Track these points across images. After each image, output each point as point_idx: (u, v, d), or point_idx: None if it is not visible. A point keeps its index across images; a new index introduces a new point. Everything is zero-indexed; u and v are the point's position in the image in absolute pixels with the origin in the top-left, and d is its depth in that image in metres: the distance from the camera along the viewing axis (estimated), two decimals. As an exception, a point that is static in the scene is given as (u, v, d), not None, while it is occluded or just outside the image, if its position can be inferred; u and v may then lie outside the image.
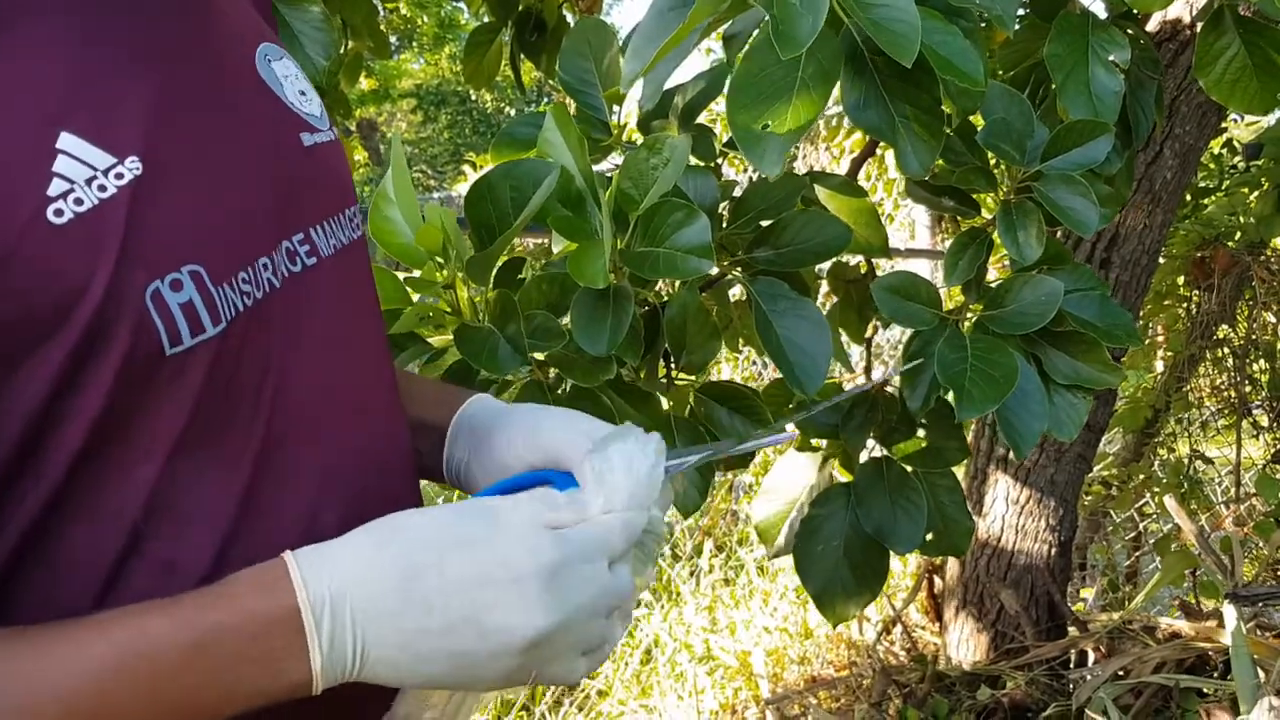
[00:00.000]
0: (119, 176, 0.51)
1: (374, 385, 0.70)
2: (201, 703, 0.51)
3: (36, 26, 0.51)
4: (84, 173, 0.50)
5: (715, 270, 1.21)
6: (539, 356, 1.13)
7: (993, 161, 1.31)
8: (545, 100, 11.76)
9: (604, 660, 0.64)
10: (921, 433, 1.36)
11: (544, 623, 0.56)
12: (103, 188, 0.50)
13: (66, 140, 0.50)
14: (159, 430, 0.54)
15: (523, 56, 2.14)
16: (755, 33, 1.06)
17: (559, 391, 1.14)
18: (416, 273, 1.01)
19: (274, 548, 0.56)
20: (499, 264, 1.11)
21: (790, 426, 0.82)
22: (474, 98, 14.24)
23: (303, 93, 0.70)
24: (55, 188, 0.49)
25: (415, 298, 1.07)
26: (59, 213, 0.49)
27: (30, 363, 0.50)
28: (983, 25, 1.41)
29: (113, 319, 0.50)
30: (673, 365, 1.28)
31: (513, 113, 14.06)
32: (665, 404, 1.25)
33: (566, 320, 1.09)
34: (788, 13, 0.90)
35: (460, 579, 0.55)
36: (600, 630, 0.60)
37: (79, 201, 0.50)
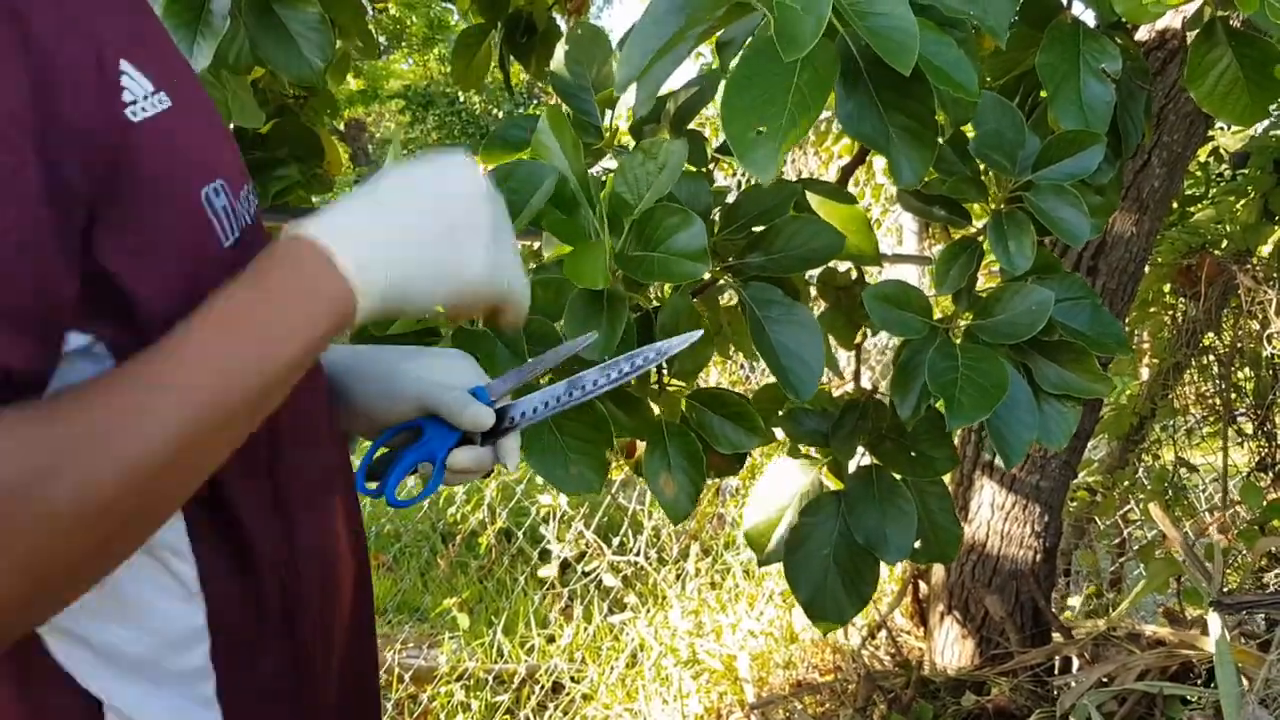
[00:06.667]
0: (160, 102, 0.56)
1: None
2: (275, 337, 0.57)
3: None
4: (140, 90, 0.55)
5: (708, 275, 1.21)
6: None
7: (984, 171, 1.31)
8: (534, 102, 11.74)
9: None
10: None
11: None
12: (154, 106, 0.56)
13: (125, 65, 0.55)
14: None
15: (512, 58, 2.13)
16: (749, 39, 1.06)
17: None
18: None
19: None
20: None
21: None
22: (462, 99, 14.21)
23: None
24: (126, 96, 0.54)
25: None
26: (134, 113, 0.54)
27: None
28: (974, 31, 1.42)
29: (184, 210, 0.57)
30: (664, 371, 1.27)
31: (501, 114, 14.05)
32: (656, 410, 1.25)
33: (561, 325, 1.08)
34: (788, 15, 0.89)
35: (438, 195, 0.66)
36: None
37: (143, 109, 0.55)
